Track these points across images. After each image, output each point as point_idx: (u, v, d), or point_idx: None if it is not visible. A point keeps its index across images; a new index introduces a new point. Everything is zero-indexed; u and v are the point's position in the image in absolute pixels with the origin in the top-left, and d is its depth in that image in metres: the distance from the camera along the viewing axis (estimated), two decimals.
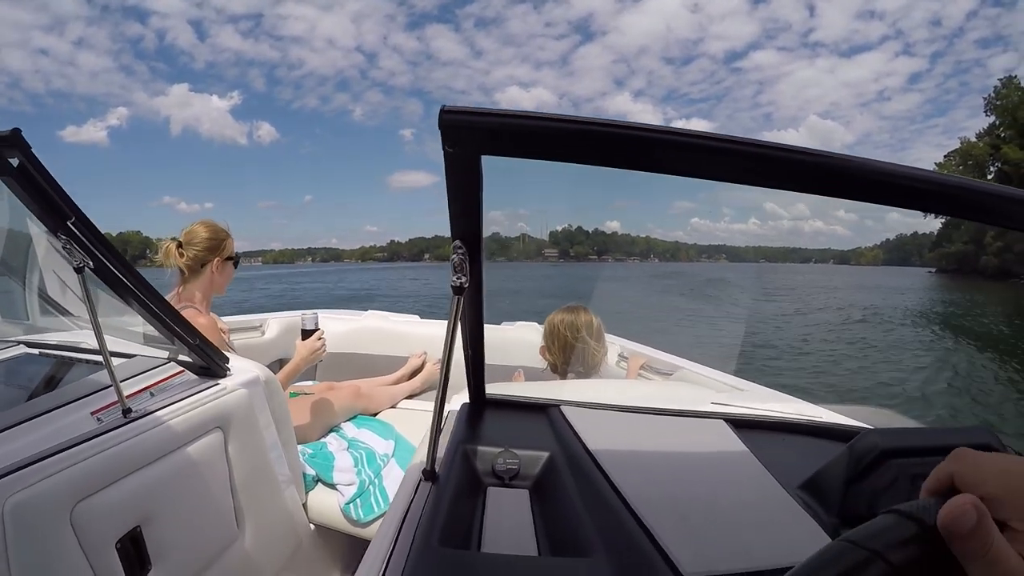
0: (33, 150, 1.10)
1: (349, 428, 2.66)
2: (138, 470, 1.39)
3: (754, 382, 2.54)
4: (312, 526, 2.14)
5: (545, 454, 1.19)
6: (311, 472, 2.21)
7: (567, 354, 2.50)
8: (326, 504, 2.15)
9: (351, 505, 2.09)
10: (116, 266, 1.31)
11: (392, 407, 3.02)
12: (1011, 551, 0.37)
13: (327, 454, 2.34)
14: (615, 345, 3.16)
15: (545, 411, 1.40)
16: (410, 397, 3.20)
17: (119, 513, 1.34)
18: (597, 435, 1.22)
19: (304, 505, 2.12)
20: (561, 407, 1.39)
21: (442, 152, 0.71)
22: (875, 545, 0.41)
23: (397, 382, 3.26)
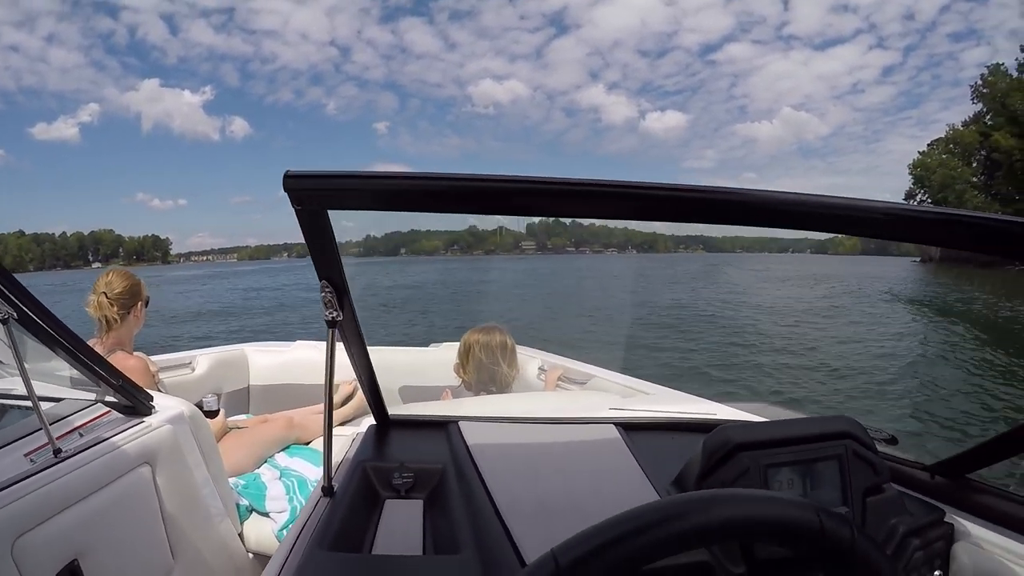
0: None
1: (282, 458, 2.71)
2: (72, 506, 1.45)
3: (662, 385, 2.67)
4: (250, 555, 2.19)
5: (439, 466, 1.29)
6: (244, 503, 2.27)
7: (480, 373, 2.60)
8: (262, 533, 2.21)
9: (284, 531, 2.16)
10: (39, 316, 1.37)
11: None
12: None
13: (259, 484, 2.40)
14: (535, 359, 3.27)
15: (445, 428, 1.49)
16: (344, 423, 3.21)
17: (56, 547, 1.40)
18: (487, 448, 1.33)
19: (240, 535, 2.17)
20: (460, 423, 1.48)
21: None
22: None
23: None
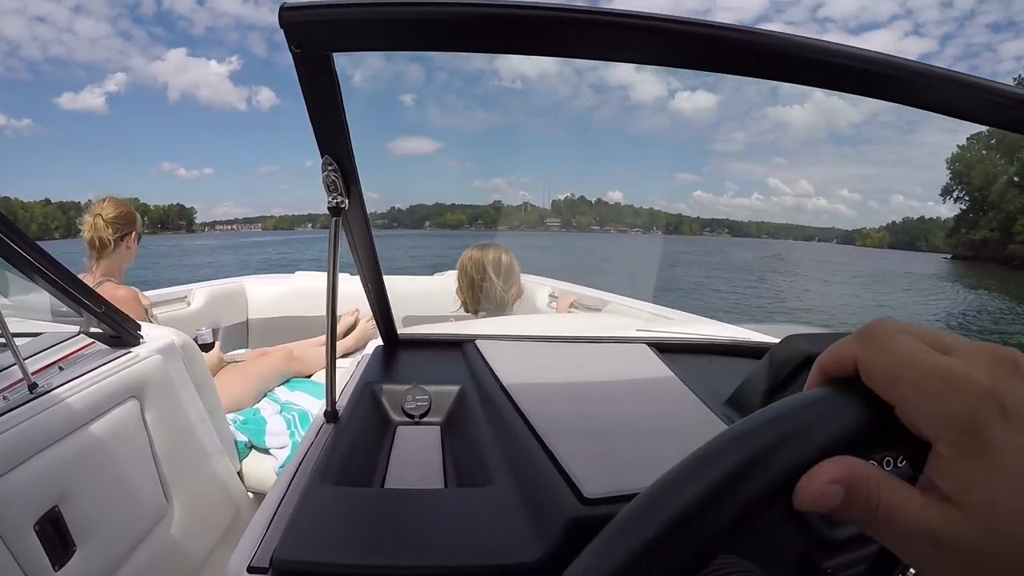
0: None
1: (282, 391, 2.61)
2: (50, 446, 1.32)
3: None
4: (250, 494, 2.10)
5: (456, 388, 1.16)
6: (243, 439, 2.17)
7: (474, 291, 2.52)
8: (262, 470, 2.12)
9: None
10: (13, 240, 1.24)
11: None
12: (908, 499, 0.29)
13: (259, 419, 2.30)
14: (545, 286, 3.17)
15: (460, 347, 1.37)
16: (345, 356, 3.11)
17: (33, 493, 1.28)
18: (511, 366, 1.19)
19: (240, 473, 2.08)
20: (476, 342, 1.36)
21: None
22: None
23: None
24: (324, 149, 0.83)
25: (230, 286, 3.54)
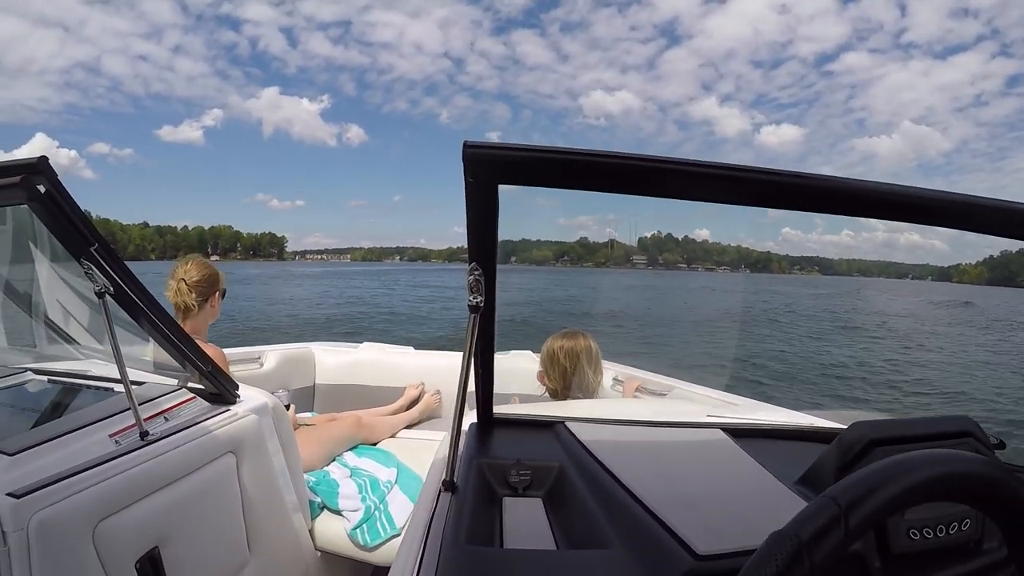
0: (59, 177, 1.13)
1: (350, 457, 2.66)
2: (156, 491, 1.41)
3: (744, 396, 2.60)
4: (319, 552, 2.15)
5: (556, 464, 1.23)
6: (316, 499, 2.22)
7: (566, 380, 2.50)
8: (332, 530, 2.16)
9: (358, 530, 2.11)
10: (135, 292, 1.34)
11: (392, 436, 3.02)
12: None
13: (331, 481, 2.35)
14: (610, 370, 3.21)
15: (551, 427, 1.44)
16: (409, 427, 3.18)
17: (138, 533, 1.36)
18: (603, 445, 1.26)
19: (310, 531, 2.13)
20: (566, 423, 1.43)
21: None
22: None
23: (395, 412, 3.26)
24: (474, 257, 0.95)
25: (300, 351, 3.63)
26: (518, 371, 3.10)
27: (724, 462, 1.25)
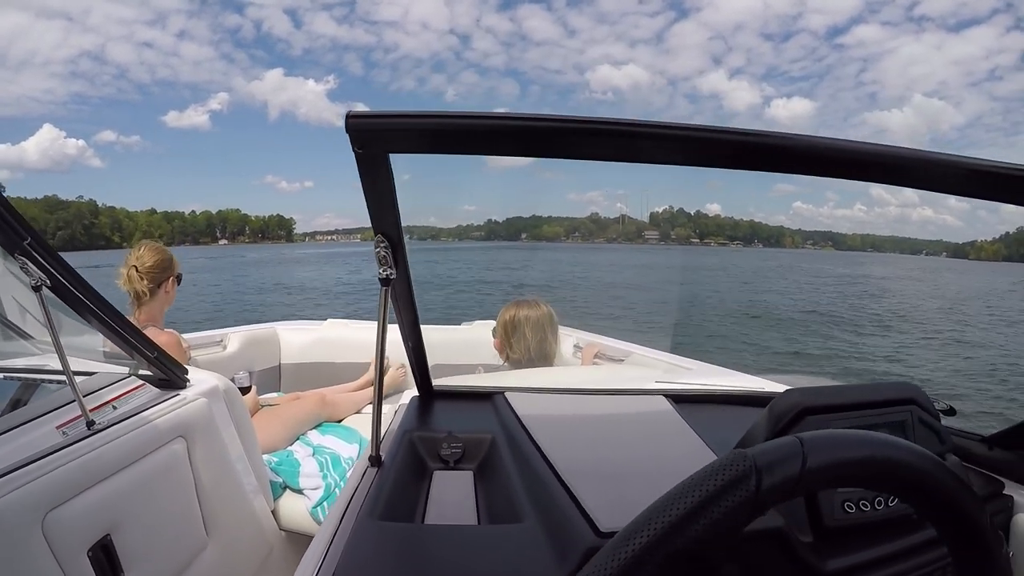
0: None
1: (314, 435, 2.68)
2: (105, 480, 1.42)
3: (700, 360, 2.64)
4: (283, 532, 2.17)
5: (489, 437, 1.26)
6: (278, 480, 2.25)
7: (530, 349, 2.51)
8: (295, 510, 2.19)
9: (318, 508, 2.14)
10: (73, 284, 1.34)
11: (357, 412, 3.04)
12: None
13: (293, 461, 2.37)
14: (570, 336, 3.24)
15: (491, 399, 1.46)
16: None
17: (88, 522, 1.37)
18: (537, 416, 1.29)
19: (274, 512, 2.15)
20: (506, 394, 1.45)
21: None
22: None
23: (360, 388, 3.27)
24: (377, 229, 0.95)
25: (263, 331, 3.63)
26: (484, 342, 3.11)
27: (660, 431, 1.27)
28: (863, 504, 0.92)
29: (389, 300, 1.06)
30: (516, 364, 2.54)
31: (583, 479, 0.98)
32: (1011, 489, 1.10)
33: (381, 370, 1.13)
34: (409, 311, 1.22)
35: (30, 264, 1.24)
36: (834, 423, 0.97)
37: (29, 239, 1.22)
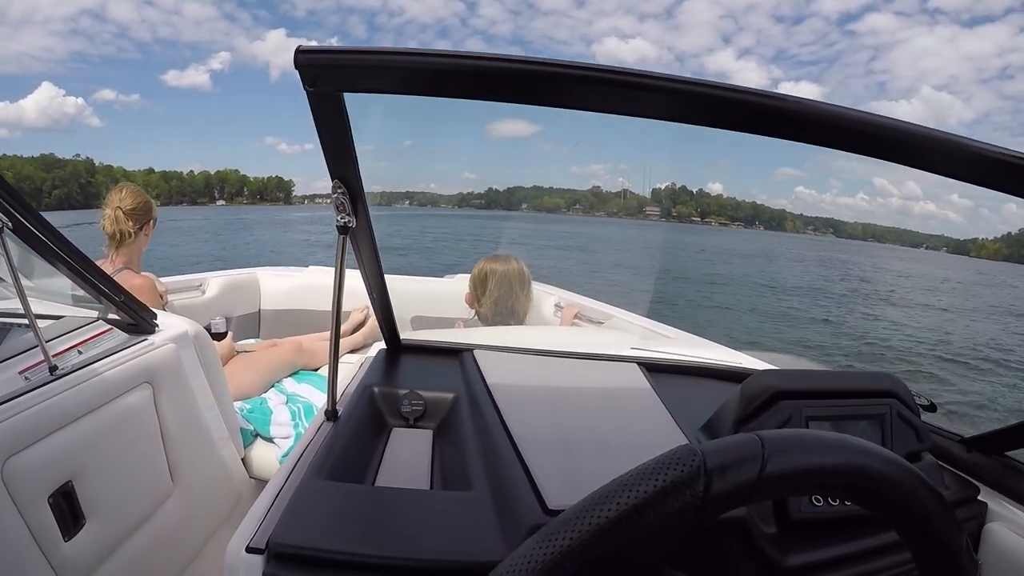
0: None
1: (289, 383, 2.68)
2: (67, 425, 1.40)
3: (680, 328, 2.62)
4: (253, 480, 2.17)
5: (451, 395, 1.23)
6: (249, 427, 2.25)
7: (498, 305, 2.52)
8: (265, 458, 2.19)
9: (287, 457, 2.13)
10: (36, 226, 1.32)
11: None
12: None
13: (265, 409, 2.37)
14: (553, 296, 3.23)
15: (459, 355, 1.44)
16: (354, 351, 3.20)
17: (49, 468, 1.36)
18: (502, 377, 1.26)
19: (244, 460, 2.15)
20: (474, 351, 1.42)
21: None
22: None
23: (341, 336, 3.23)
24: (334, 174, 0.91)
25: (244, 277, 3.61)
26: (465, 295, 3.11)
27: (629, 402, 1.23)
28: (831, 498, 0.89)
29: (347, 249, 1.03)
30: (484, 319, 2.55)
31: (539, 450, 0.96)
32: (985, 495, 1.07)
33: (338, 321, 1.11)
34: (372, 261, 1.19)
35: None
36: (808, 409, 0.96)
37: None
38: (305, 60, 0.68)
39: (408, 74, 0.70)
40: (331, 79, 0.71)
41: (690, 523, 0.45)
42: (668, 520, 0.44)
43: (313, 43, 0.73)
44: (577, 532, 0.43)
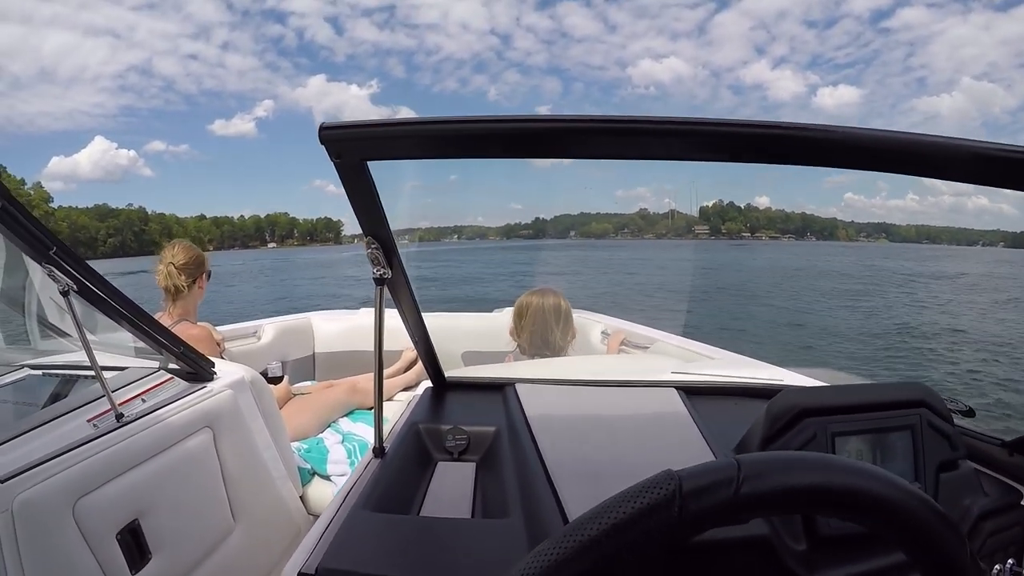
0: (11, 192, 1.21)
1: (345, 423, 2.78)
2: (133, 468, 1.52)
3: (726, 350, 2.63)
4: (311, 517, 2.24)
5: (493, 429, 1.30)
6: (307, 466, 2.33)
7: (533, 337, 2.57)
8: (323, 495, 2.27)
9: None
10: (98, 287, 1.43)
11: (389, 400, 3.08)
12: None
13: (322, 448, 2.46)
14: (600, 324, 3.27)
15: (502, 390, 1.50)
16: (406, 389, 3.26)
17: (117, 507, 1.47)
18: (541, 409, 1.32)
19: (302, 497, 2.23)
20: (516, 385, 1.48)
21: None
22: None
23: (392, 376, 3.34)
24: (366, 232, 1.00)
25: (297, 321, 3.72)
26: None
27: (663, 427, 1.25)
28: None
29: (383, 298, 1.12)
30: (524, 351, 2.60)
31: (571, 478, 1.00)
32: None
33: (380, 365, 1.21)
34: (410, 308, 1.27)
35: (57, 272, 1.32)
36: (834, 426, 0.95)
37: (55, 248, 1.30)
38: (329, 136, 0.77)
39: (421, 142, 0.79)
40: (354, 151, 0.81)
41: (666, 542, 0.49)
42: (646, 539, 0.48)
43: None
44: (562, 549, 0.48)
